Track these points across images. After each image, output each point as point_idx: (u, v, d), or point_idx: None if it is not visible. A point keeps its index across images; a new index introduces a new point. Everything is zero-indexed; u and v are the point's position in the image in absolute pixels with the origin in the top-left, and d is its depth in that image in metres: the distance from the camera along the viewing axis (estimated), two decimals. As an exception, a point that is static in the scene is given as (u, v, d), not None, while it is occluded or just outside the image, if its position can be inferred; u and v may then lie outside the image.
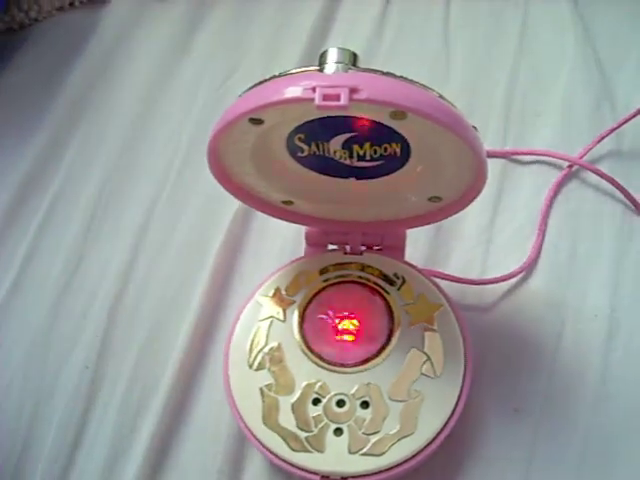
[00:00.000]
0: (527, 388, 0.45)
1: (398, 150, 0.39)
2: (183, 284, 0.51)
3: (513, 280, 0.49)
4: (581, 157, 0.53)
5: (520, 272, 0.49)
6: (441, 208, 0.43)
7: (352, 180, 0.42)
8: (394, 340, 0.43)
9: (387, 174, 0.41)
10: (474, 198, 0.41)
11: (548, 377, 0.45)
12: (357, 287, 0.45)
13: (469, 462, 0.43)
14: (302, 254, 0.47)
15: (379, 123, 0.36)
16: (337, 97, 0.31)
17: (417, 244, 0.50)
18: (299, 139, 0.39)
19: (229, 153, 0.39)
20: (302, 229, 0.47)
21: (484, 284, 0.49)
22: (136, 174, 0.57)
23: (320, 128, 0.37)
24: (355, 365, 0.42)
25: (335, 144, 0.39)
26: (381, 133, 0.37)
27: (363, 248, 0.47)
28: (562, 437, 0.43)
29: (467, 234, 0.52)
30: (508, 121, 0.56)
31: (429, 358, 0.42)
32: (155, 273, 0.52)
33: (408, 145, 0.38)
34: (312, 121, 0.37)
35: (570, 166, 0.54)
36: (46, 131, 0.60)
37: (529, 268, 0.50)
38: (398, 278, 0.45)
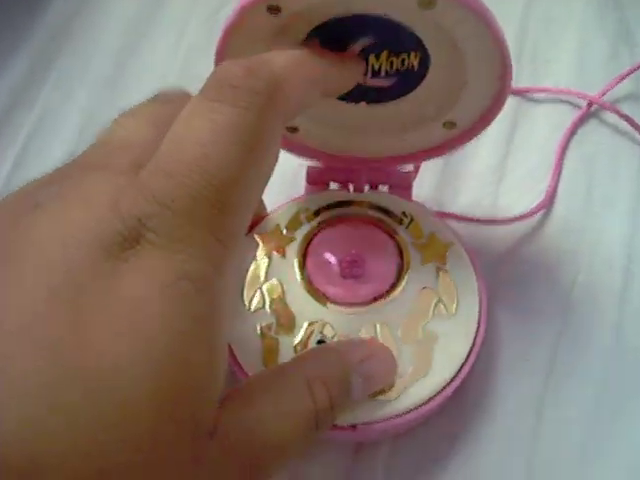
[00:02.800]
0: (538, 338, 0.42)
1: (416, 63, 0.36)
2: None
3: (525, 223, 0.46)
4: (600, 96, 0.51)
5: (533, 214, 0.46)
6: (453, 137, 0.40)
7: (362, 105, 0.39)
8: (404, 279, 0.40)
9: (401, 95, 0.38)
10: (490, 122, 0.38)
11: (560, 327, 0.43)
12: (363, 225, 0.42)
13: (475, 413, 0.40)
14: (302, 192, 0.44)
15: (400, 27, 0.33)
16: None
17: (422, 185, 0.47)
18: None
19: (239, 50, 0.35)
20: (302, 168, 0.44)
21: (495, 224, 0.46)
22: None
23: (337, 32, 0.34)
24: (363, 305, 0.39)
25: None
26: (401, 38, 0.34)
27: (367, 187, 0.43)
28: (573, 390, 0.41)
29: (476, 175, 0.49)
30: (520, 65, 0.53)
31: (442, 298, 0.39)
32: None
33: (426, 59, 0.35)
34: (329, 24, 0.34)
35: (589, 105, 0.51)
36: (22, 61, 0.55)
37: (542, 211, 0.47)
38: (406, 217, 0.42)
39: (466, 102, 0.37)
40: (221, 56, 0.34)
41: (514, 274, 0.45)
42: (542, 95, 0.52)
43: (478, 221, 0.46)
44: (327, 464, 0.38)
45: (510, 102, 0.47)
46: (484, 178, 0.49)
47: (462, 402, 0.40)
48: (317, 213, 0.42)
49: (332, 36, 0.34)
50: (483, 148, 0.49)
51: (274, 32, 0.34)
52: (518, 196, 0.48)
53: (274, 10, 0.32)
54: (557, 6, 0.57)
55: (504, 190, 0.48)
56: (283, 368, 0.32)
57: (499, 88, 0.36)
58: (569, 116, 0.51)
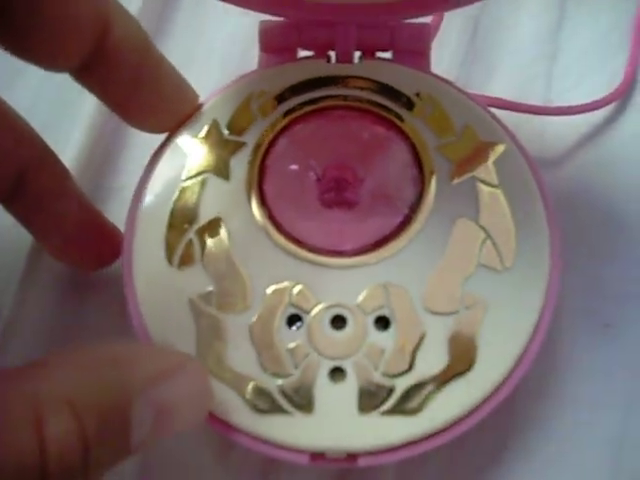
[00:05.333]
0: (623, 292, 0.28)
1: None
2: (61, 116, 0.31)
3: (596, 115, 0.31)
4: None
5: (606, 103, 0.31)
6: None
7: None
8: (426, 206, 0.24)
9: None
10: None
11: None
12: (354, 117, 0.26)
13: (545, 403, 0.26)
14: (254, 67, 0.27)
15: None
16: None
17: (441, 61, 0.31)
18: None
19: None
20: (254, 24, 0.27)
21: (555, 114, 0.30)
22: None
23: None
24: (360, 252, 0.24)
25: None
26: None
27: (359, 55, 0.27)
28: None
29: (519, 46, 0.33)
30: None
31: (490, 236, 0.24)
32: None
33: None
34: None
35: None
36: None
37: (620, 97, 0.31)
38: (424, 100, 0.26)
39: None
40: None
41: (581, 195, 0.30)
42: None
43: (530, 110, 0.30)
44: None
45: None
46: (532, 52, 0.33)
47: (513, 408, 0.25)
48: (279, 100, 0.26)
49: None
50: (528, 9, 0.34)
51: None
52: (580, 79, 0.32)
53: None
54: None
55: (561, 68, 0.33)
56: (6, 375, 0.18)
57: None
58: None
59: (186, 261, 0.24)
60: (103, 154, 0.31)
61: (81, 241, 0.26)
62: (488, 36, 0.33)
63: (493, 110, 0.27)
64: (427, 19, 0.28)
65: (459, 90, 0.26)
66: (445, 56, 0.32)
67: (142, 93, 0.24)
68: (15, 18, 0.21)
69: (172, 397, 0.20)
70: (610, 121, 0.31)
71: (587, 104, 0.30)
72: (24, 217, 0.26)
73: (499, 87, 0.32)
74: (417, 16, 0.26)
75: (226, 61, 0.32)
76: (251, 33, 0.27)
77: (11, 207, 0.25)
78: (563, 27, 0.34)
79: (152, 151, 0.26)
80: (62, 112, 0.31)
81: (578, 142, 0.31)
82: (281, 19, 0.26)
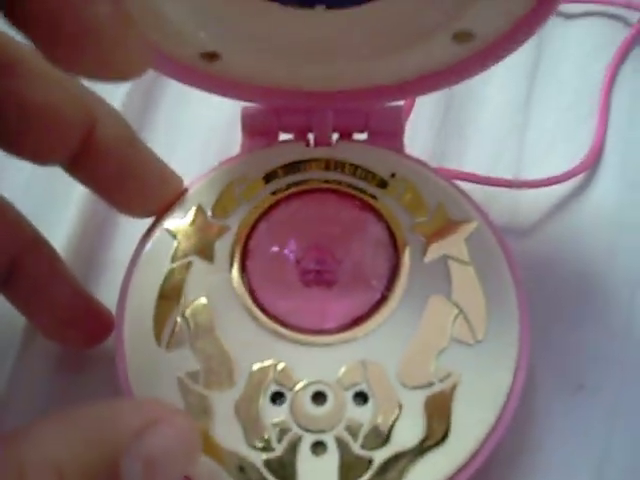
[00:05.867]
0: (595, 353, 0.29)
1: None
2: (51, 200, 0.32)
3: (562, 188, 0.32)
4: None
5: (574, 175, 0.32)
6: (469, 55, 0.25)
7: (320, 10, 0.24)
8: (401, 284, 0.25)
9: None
10: (531, 32, 0.24)
11: (623, 336, 0.29)
12: (333, 198, 0.27)
13: (520, 469, 0.27)
14: (237, 151, 0.29)
15: None
16: None
17: (414, 137, 0.32)
18: None
19: None
20: (234, 110, 0.29)
21: (526, 187, 0.32)
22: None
23: None
24: (339, 331, 0.25)
25: None
26: None
27: (336, 137, 0.28)
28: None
29: (490, 119, 0.34)
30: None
31: (462, 311, 0.25)
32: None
33: None
34: None
35: None
36: None
37: (586, 171, 0.32)
38: (398, 180, 0.27)
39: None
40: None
41: (552, 264, 0.31)
42: (577, 8, 0.37)
43: (501, 184, 0.31)
44: None
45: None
46: (503, 124, 0.34)
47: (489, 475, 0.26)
48: (261, 183, 0.28)
49: None
50: (498, 82, 0.35)
51: None
52: (550, 149, 0.34)
53: None
54: None
55: (530, 142, 0.34)
56: None
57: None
58: (616, 36, 0.36)
59: (174, 341, 0.25)
60: (95, 228, 0.32)
61: (72, 322, 0.27)
62: (460, 110, 0.34)
63: (466, 184, 0.28)
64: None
65: (432, 170, 0.28)
66: (419, 131, 0.33)
67: (128, 183, 0.26)
68: (6, 122, 0.23)
69: (160, 448, 0.20)
70: (579, 192, 0.32)
71: (556, 177, 0.31)
72: (16, 301, 0.27)
73: (472, 160, 0.33)
74: (390, 101, 0.28)
75: (207, 146, 0.33)
76: (231, 118, 0.29)
77: (3, 291, 0.27)
78: (532, 98, 0.35)
79: (142, 227, 0.27)
80: (55, 188, 0.32)
81: (548, 213, 0.32)
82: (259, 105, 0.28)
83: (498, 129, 0.34)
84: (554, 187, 0.31)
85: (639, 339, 0.29)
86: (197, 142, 0.33)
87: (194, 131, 0.34)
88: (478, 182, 0.30)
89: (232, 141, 0.30)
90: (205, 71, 0.26)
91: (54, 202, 0.32)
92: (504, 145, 0.34)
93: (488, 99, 0.35)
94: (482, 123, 0.34)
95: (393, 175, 0.27)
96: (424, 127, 0.34)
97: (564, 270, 0.30)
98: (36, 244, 0.26)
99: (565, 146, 0.33)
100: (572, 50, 0.36)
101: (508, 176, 0.32)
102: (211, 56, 0.25)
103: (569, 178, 0.32)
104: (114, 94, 0.32)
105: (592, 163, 0.33)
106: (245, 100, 0.28)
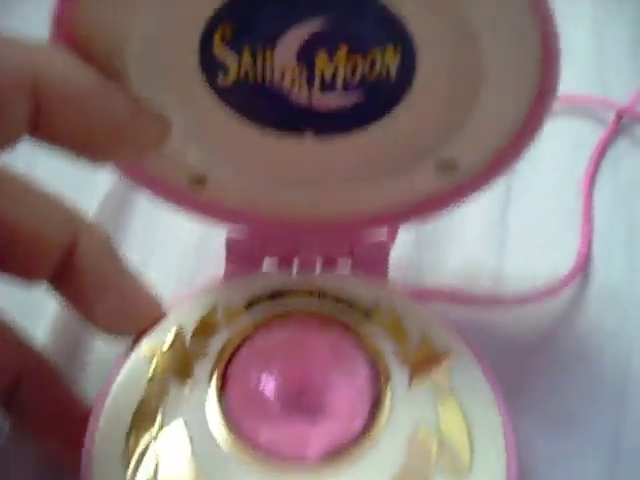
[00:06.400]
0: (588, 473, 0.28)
1: (394, 67, 0.22)
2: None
3: (545, 304, 0.31)
4: (633, 105, 0.37)
5: (563, 286, 0.31)
6: (453, 186, 0.26)
7: (308, 137, 0.24)
8: (384, 413, 0.25)
9: (368, 122, 0.24)
10: (513, 161, 0.24)
11: (610, 459, 0.28)
12: (314, 327, 0.27)
13: None
14: (220, 275, 0.29)
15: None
16: None
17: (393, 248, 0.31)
18: (222, 38, 0.21)
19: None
20: (220, 234, 0.29)
21: (513, 304, 0.31)
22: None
23: (262, 10, 0.20)
24: (321, 461, 0.24)
25: (285, 54, 0.21)
26: (369, 23, 0.20)
27: (320, 265, 0.28)
28: None
29: (467, 228, 0.34)
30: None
31: (446, 442, 0.24)
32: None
33: (410, 59, 0.21)
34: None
35: (618, 117, 0.37)
36: None
37: (579, 275, 0.32)
38: (382, 310, 0.27)
39: (475, 129, 0.23)
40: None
41: (539, 384, 0.30)
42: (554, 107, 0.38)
43: (482, 302, 0.31)
44: None
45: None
46: (481, 233, 0.34)
47: None
48: (243, 310, 0.27)
49: (255, 21, 0.20)
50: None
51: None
52: (533, 256, 0.33)
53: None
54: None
55: (511, 249, 0.33)
56: None
57: (533, 102, 0.22)
58: (593, 134, 0.37)
59: (146, 473, 0.23)
60: (69, 347, 0.31)
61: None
62: (437, 220, 0.34)
63: (448, 305, 0.28)
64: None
65: (415, 300, 0.28)
66: (397, 242, 0.33)
67: (106, 301, 0.25)
68: None
69: None
70: (559, 309, 0.31)
71: (537, 294, 0.31)
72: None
73: (450, 272, 0.32)
74: (374, 228, 0.28)
75: (182, 262, 0.33)
76: (206, 235, 0.29)
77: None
78: (510, 207, 0.34)
79: (119, 347, 0.26)
80: (30, 302, 0.31)
81: (530, 330, 0.31)
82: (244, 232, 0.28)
83: (476, 245, 0.33)
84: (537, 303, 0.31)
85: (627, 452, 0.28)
86: (171, 258, 0.33)
87: (172, 255, 0.33)
88: (461, 302, 0.30)
89: (206, 258, 0.31)
90: (193, 195, 0.26)
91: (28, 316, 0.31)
92: (483, 254, 0.33)
93: (465, 217, 0.34)
94: (459, 232, 0.34)
95: (377, 305, 0.27)
96: (402, 239, 0.32)
97: (547, 388, 0.29)
98: (39, 363, 0.26)
99: (545, 259, 0.33)
100: (551, 149, 0.36)
101: (489, 285, 0.32)
102: (199, 180, 0.25)
103: (549, 297, 0.31)
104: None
105: (571, 280, 0.32)
106: (231, 225, 0.28)
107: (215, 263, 0.29)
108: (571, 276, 0.32)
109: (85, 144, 0.20)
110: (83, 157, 0.21)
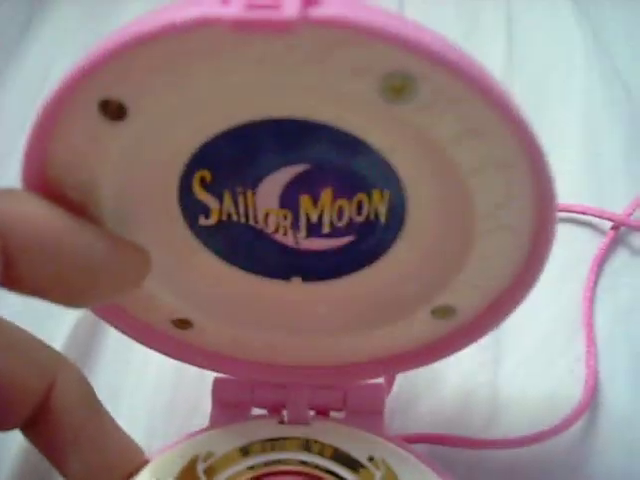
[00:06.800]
0: None
1: (383, 210, 0.21)
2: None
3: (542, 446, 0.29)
4: (629, 214, 0.36)
5: (570, 424, 0.29)
6: (450, 332, 0.24)
7: (295, 282, 0.23)
8: None
9: (358, 268, 0.23)
10: (515, 306, 0.23)
11: None
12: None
13: None
14: (204, 423, 0.27)
15: (353, 143, 0.19)
16: (276, 5, 0.14)
17: None
18: (201, 182, 0.20)
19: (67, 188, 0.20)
20: (207, 378, 0.27)
21: (515, 447, 0.29)
22: None
23: (240, 155, 0.19)
24: None
25: (267, 197, 0.21)
26: (357, 166, 0.20)
27: (312, 413, 0.27)
28: None
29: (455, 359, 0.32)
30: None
31: None
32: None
33: (400, 201, 0.21)
34: (229, 139, 0.19)
35: (615, 228, 0.36)
36: None
37: (587, 411, 0.30)
38: (377, 465, 0.25)
39: (473, 274, 0.22)
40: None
41: None
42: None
43: (488, 445, 0.29)
44: None
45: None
46: (470, 365, 0.32)
47: None
48: (226, 462, 0.25)
49: (234, 162, 0.20)
50: None
51: (126, 155, 0.19)
52: (530, 383, 0.31)
53: (114, 112, 0.17)
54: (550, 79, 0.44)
55: (506, 375, 0.32)
56: None
57: (532, 242, 0.20)
58: (589, 246, 0.36)
59: None
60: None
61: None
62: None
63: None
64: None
65: (412, 451, 0.26)
66: None
67: (85, 452, 0.24)
68: None
69: None
70: (556, 452, 0.29)
71: (531, 437, 0.29)
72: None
73: (440, 398, 0.31)
74: (368, 378, 0.27)
75: (170, 412, 0.32)
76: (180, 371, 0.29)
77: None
78: (503, 335, 0.33)
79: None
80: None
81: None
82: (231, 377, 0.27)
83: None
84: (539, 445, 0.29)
85: None
86: (160, 409, 0.32)
87: (154, 398, 0.32)
88: (455, 445, 0.28)
89: (198, 411, 0.29)
90: (175, 338, 0.25)
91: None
92: (477, 378, 0.32)
93: None
94: (442, 369, 0.32)
95: (371, 459, 0.25)
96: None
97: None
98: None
99: (542, 382, 0.31)
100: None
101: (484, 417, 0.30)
102: (183, 323, 0.24)
103: (542, 440, 0.29)
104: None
105: (589, 403, 0.30)
106: (215, 371, 0.26)
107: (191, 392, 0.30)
108: (580, 411, 0.29)
109: (58, 291, 0.19)
110: (55, 303, 0.20)
